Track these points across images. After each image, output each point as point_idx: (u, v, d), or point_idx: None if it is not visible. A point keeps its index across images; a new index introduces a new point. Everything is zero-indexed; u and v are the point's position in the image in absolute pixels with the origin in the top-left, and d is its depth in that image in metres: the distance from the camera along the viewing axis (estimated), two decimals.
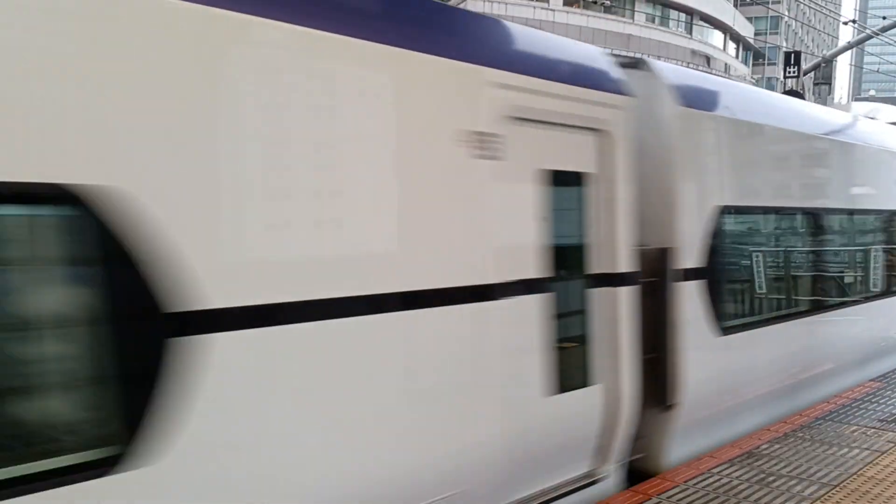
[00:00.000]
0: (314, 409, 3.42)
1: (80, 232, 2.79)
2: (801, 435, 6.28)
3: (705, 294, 5.73)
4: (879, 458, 5.69)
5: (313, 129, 3.44)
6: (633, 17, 50.91)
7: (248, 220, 3.21)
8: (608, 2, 47.00)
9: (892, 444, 6.03)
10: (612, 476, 5.09)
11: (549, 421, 4.55)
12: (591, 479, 4.94)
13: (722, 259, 6.02)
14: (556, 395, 4.58)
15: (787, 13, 67.83)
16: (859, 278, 8.52)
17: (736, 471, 5.39)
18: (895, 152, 9.06)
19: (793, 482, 5.19)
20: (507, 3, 41.27)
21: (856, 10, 56.03)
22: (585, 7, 46.54)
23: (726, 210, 5.98)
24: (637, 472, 5.42)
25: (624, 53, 5.99)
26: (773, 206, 6.88)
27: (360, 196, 3.60)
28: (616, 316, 5.01)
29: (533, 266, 4.45)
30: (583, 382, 4.85)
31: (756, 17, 69.35)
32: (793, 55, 25.77)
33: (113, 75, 2.88)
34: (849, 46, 24.89)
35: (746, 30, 64.92)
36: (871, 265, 8.65)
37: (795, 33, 77.14)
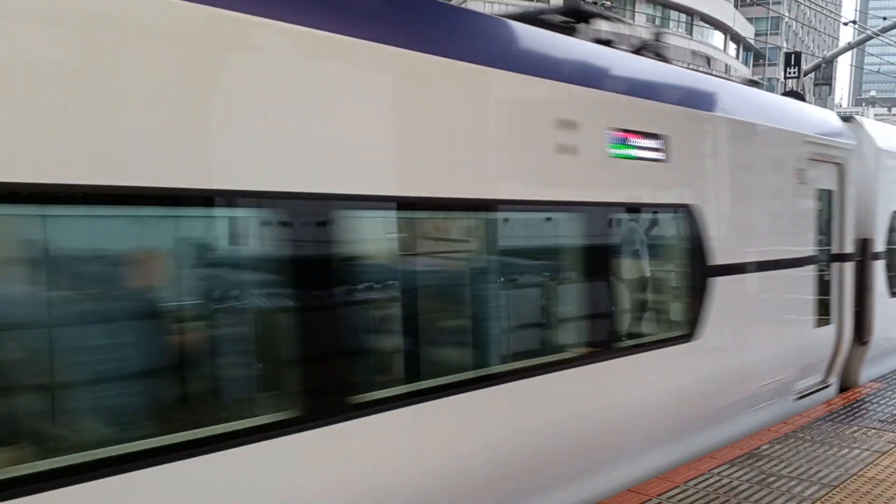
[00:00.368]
0: (757, 319, 6.68)
1: (687, 224, 5.82)
2: (801, 436, 6.28)
3: (884, 270, 8.70)
4: (880, 459, 5.68)
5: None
6: (633, 18, 50.93)
7: (742, 221, 6.47)
8: (608, 3, 47.04)
9: (892, 445, 6.03)
10: (833, 386, 8.08)
11: (813, 345, 7.48)
12: (823, 385, 7.88)
13: (893, 246, 8.98)
14: (815, 328, 7.51)
15: (787, 14, 67.87)
16: None
17: (736, 471, 5.39)
18: None
19: (793, 483, 5.19)
20: (507, 4, 41.28)
21: (856, 10, 56.11)
22: None
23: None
24: (842, 387, 8.28)
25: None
26: None
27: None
28: (843, 281, 8.01)
29: (814, 245, 7.47)
30: (826, 322, 7.77)
31: (756, 18, 69.41)
32: (793, 56, 25.79)
33: None
34: (849, 47, 24.88)
35: (747, 30, 64.97)
36: None
37: (796, 34, 77.19)
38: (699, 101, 6.08)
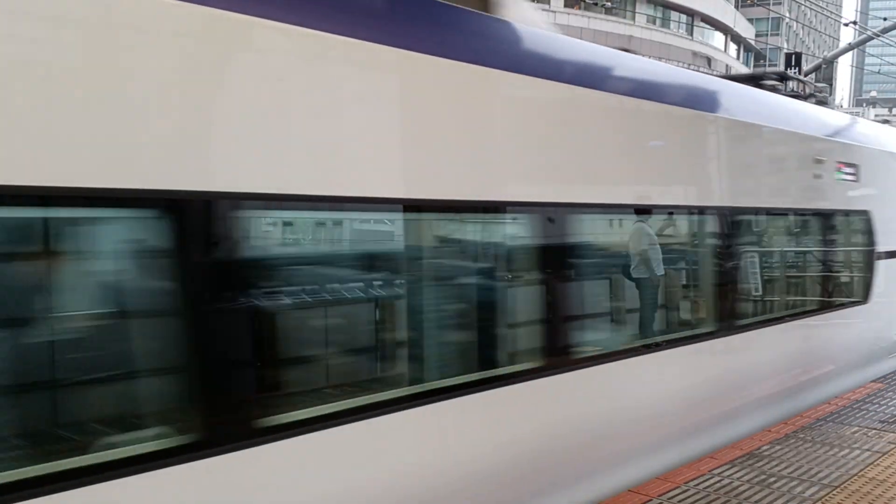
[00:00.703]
0: None
1: (867, 223, 8.49)
2: (801, 436, 6.28)
3: None
4: (880, 460, 5.68)
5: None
6: (633, 19, 50.89)
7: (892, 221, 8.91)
8: (609, 3, 47.00)
9: (893, 446, 6.03)
10: None
11: None
12: None
13: None
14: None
15: (787, 14, 67.83)
16: None
17: (737, 472, 5.39)
18: None
19: (794, 483, 5.19)
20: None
21: (857, 11, 56.11)
22: (586, 8, 46.52)
23: None
24: None
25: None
26: None
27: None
28: None
29: None
30: None
31: (757, 19, 69.36)
32: (794, 56, 25.76)
33: None
34: (850, 48, 24.86)
35: (748, 31, 64.93)
36: None
37: (796, 34, 77.17)
38: (867, 139, 9.13)
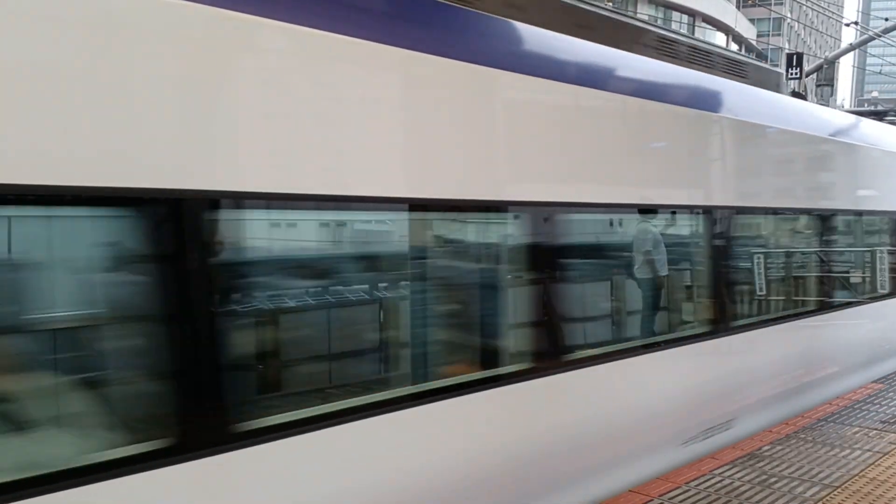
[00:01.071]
0: None
1: None
2: (802, 436, 6.28)
3: None
4: (881, 460, 5.68)
5: None
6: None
7: None
8: (610, 3, 46.99)
9: (893, 446, 6.03)
10: None
11: None
12: None
13: None
14: None
15: (789, 15, 67.78)
16: None
17: (738, 472, 5.39)
18: None
19: (794, 483, 5.19)
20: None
21: (858, 11, 56.04)
22: None
23: None
24: None
25: None
26: None
27: None
28: None
29: None
30: None
31: (758, 19, 69.29)
32: (795, 57, 25.77)
33: None
34: (851, 48, 24.87)
35: (749, 31, 64.87)
36: None
37: (798, 35, 77.08)
38: None
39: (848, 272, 9.18)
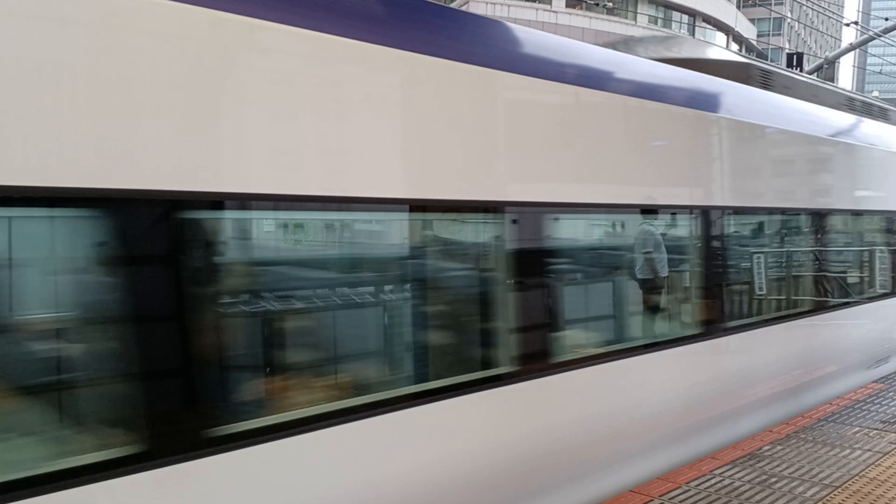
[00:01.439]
0: None
1: None
2: (803, 436, 6.28)
3: None
4: (882, 460, 5.69)
5: None
6: (635, 19, 50.85)
7: None
8: (610, 3, 46.99)
9: (894, 446, 6.03)
10: None
11: None
12: None
13: None
14: None
15: (789, 15, 67.79)
16: None
17: (738, 472, 5.39)
18: None
19: (795, 483, 5.19)
20: (509, 6, 41.27)
21: (859, 11, 56.04)
22: (587, 9, 46.51)
23: None
24: None
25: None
26: None
27: None
28: None
29: None
30: None
31: (759, 19, 69.30)
32: (795, 56, 25.78)
33: None
34: (851, 48, 24.85)
35: (749, 31, 64.87)
36: None
37: (798, 35, 77.09)
38: None
39: None
